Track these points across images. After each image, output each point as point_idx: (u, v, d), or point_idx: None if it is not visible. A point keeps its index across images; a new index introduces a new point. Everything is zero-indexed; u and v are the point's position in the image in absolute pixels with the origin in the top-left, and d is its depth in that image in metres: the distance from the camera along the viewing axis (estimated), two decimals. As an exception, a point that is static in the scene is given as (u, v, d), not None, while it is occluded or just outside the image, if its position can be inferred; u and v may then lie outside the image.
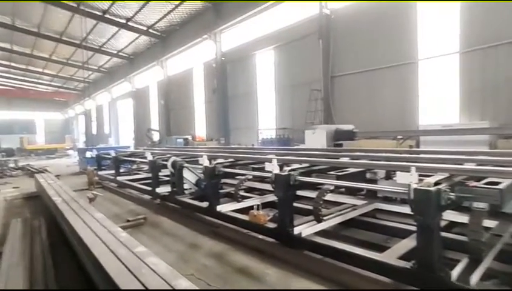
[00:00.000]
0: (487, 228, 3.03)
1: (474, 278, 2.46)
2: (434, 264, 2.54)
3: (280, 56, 13.32)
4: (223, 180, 6.19)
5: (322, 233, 3.83)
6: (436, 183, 2.65)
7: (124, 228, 4.96)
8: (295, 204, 4.11)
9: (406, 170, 2.80)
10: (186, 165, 6.08)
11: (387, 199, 4.76)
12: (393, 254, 3.05)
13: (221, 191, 6.13)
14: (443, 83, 8.45)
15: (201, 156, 5.44)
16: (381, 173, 4.47)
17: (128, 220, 5.54)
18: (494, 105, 7.13)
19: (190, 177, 6.17)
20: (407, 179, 2.74)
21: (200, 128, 19.16)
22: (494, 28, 7.20)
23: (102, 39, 21.51)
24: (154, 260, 2.41)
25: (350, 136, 7.60)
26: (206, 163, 5.25)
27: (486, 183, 2.70)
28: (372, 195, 4.91)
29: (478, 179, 2.84)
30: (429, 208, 2.53)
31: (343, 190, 5.25)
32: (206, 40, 16.61)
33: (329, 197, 4.47)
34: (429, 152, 4.94)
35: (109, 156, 10.44)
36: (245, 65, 15.06)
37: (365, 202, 4.68)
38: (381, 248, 3.46)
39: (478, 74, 7.52)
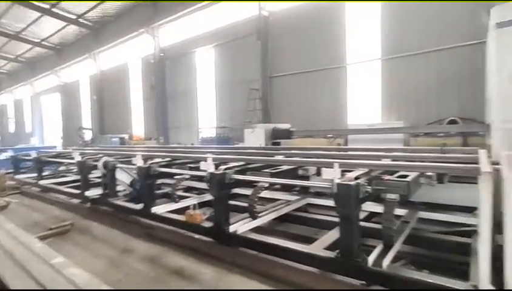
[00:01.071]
0: (398, 216, 3.43)
1: (386, 261, 2.75)
2: (353, 251, 2.78)
3: (220, 55, 13.29)
4: (162, 181, 5.95)
5: (257, 230, 3.92)
6: (356, 178, 2.90)
7: (44, 237, 4.49)
8: (231, 202, 4.14)
9: (330, 166, 3.01)
10: (120, 165, 5.71)
11: (319, 194, 5.07)
12: (320, 246, 3.26)
13: (159, 191, 5.90)
14: (369, 87, 9.34)
15: (136, 155, 5.16)
16: (313, 170, 4.75)
17: (51, 229, 5.01)
18: (408, 107, 8.09)
19: (124, 178, 5.80)
20: (331, 175, 2.94)
21: (138, 127, 18.17)
22: (409, 39, 8.15)
23: (19, 24, 19.02)
24: (75, 271, 2.22)
25: (287, 134, 7.92)
26: (140, 163, 5.00)
27: (398, 177, 3.04)
28: (304, 191, 5.18)
29: (392, 173, 3.18)
30: (350, 200, 2.75)
31: (279, 186, 5.45)
32: (143, 34, 15.79)
33: (264, 194, 4.61)
34: (353, 149, 5.39)
35: (29, 158, 9.29)
36: (185, 62, 14.70)
37: (298, 197, 4.93)
38: (311, 241, 3.67)
39: (396, 79, 8.46)
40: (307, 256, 3.14)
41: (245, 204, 4.18)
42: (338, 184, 2.81)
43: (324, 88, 10.07)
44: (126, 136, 16.75)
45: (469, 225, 3.50)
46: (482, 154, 3.26)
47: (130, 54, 18.15)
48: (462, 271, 2.77)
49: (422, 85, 7.83)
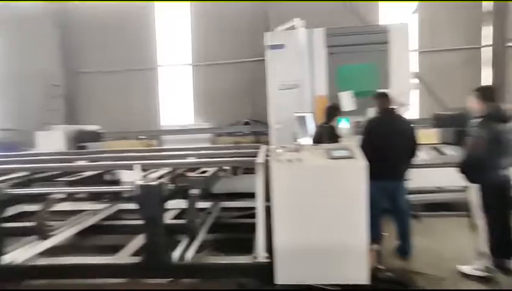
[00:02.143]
0: (202, 209, 3.76)
1: (190, 254, 2.95)
2: (159, 252, 2.81)
3: (5, 39, 10.30)
4: None
5: (54, 251, 3.30)
6: (160, 178, 2.94)
7: None
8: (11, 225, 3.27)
9: (130, 168, 2.92)
10: None
11: (131, 198, 4.81)
12: (127, 253, 3.11)
13: None
14: (182, 89, 9.79)
15: None
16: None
17: None
18: (214, 110, 9.08)
19: None
20: (133, 177, 2.86)
21: None
22: (213, 51, 9.10)
23: None
24: None
25: (95, 137, 7.08)
26: None
27: (201, 173, 3.31)
28: (115, 197, 4.79)
29: (195, 170, 3.43)
30: (152, 201, 2.76)
31: (85, 195, 4.80)
32: None
33: (64, 207, 3.95)
34: (161, 150, 5.46)
35: None
36: None
37: (108, 205, 4.51)
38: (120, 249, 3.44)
39: (204, 84, 9.30)
40: (112, 268, 2.93)
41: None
42: (140, 186, 2.76)
43: (137, 88, 9.72)
44: None
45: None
46: (262, 149, 4.04)
47: None
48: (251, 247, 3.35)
49: (224, 91, 9.00)
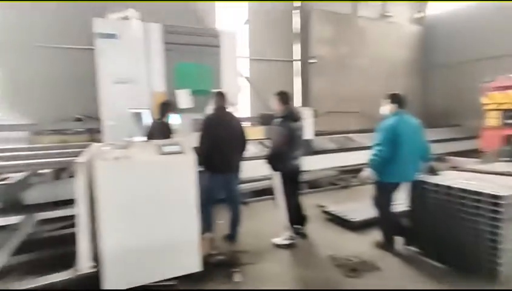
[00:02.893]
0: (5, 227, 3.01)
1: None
2: None
3: None
4: None
5: None
6: None
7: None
8: None
9: None
10: None
11: None
12: None
13: None
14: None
15: None
16: None
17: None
18: (31, 103, 7.26)
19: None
20: None
21: None
22: (23, 33, 7.14)
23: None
24: None
25: None
26: None
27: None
28: None
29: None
30: None
31: None
32: None
33: None
34: None
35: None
36: None
37: None
38: None
39: (17, 72, 7.27)
40: None
41: None
42: None
43: None
44: None
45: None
46: (93, 147, 3.61)
47: None
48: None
49: (47, 81, 7.31)
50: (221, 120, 3.62)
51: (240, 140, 3.73)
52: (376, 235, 3.59)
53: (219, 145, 3.48)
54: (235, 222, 3.72)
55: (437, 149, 8.31)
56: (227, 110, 3.74)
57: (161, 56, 5.26)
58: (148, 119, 4.52)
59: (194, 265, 2.79)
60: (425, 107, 12.29)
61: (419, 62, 12.13)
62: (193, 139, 3.46)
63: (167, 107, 4.07)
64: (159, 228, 2.62)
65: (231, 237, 3.71)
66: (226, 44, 5.73)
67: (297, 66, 9.73)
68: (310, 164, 6.45)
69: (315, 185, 6.15)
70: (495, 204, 2.68)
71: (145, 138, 3.79)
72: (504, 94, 6.46)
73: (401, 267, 3.12)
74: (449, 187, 3.02)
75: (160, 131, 3.75)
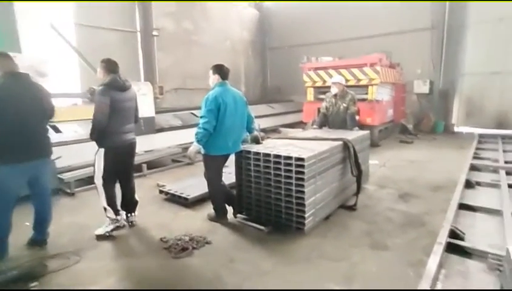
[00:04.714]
0: None
1: None
2: None
3: None
4: None
5: None
6: None
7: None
8: None
9: None
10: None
11: None
12: None
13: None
14: None
15: None
16: None
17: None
18: None
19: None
20: None
21: None
22: None
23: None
24: None
25: None
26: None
27: None
28: None
29: None
30: None
31: None
32: None
33: None
34: None
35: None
36: None
37: None
38: None
39: None
40: None
41: None
42: None
43: None
44: None
45: None
46: None
47: None
48: None
49: None
50: (12, 90, 2.65)
51: (44, 115, 2.87)
52: (210, 209, 3.62)
53: (13, 125, 2.61)
54: (42, 222, 2.98)
55: (273, 122, 9.50)
56: (26, 77, 2.79)
57: None
58: None
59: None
60: (263, 84, 13.75)
61: (258, 44, 13.29)
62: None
63: None
64: None
65: (38, 241, 2.98)
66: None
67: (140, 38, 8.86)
68: (153, 143, 6.09)
69: (157, 164, 5.83)
70: (301, 166, 3.10)
71: None
72: (316, 74, 7.82)
73: (229, 236, 3.20)
74: (267, 154, 3.31)
75: None
